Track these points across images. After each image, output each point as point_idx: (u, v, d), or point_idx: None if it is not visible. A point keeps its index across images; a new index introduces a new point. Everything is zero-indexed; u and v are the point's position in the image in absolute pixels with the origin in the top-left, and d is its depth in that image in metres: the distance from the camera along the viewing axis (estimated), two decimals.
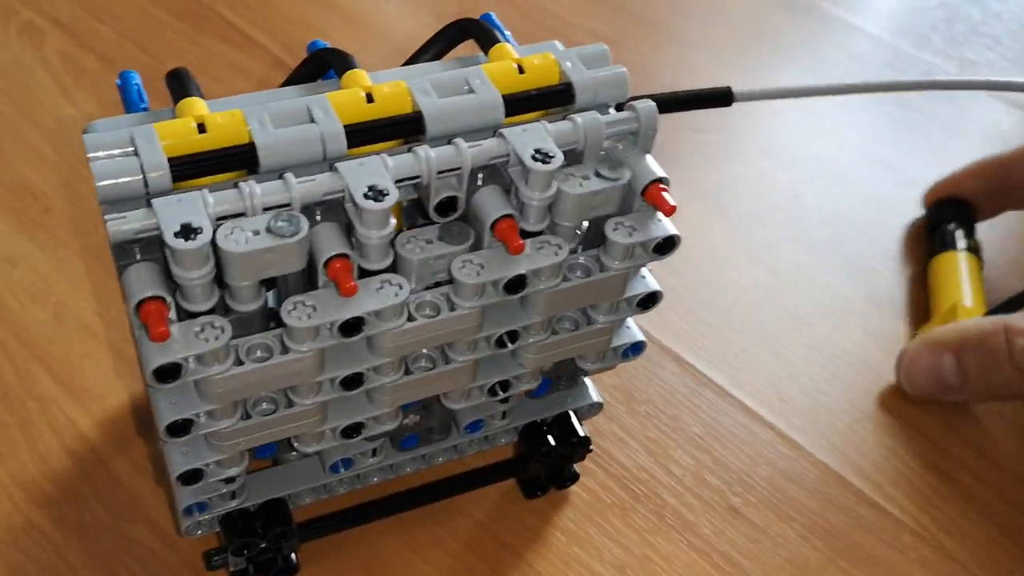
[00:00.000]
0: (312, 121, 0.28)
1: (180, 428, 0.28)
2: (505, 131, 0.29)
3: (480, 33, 0.33)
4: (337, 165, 0.27)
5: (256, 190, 0.26)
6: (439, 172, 0.28)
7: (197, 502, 0.33)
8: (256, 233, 0.26)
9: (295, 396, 0.30)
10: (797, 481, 0.42)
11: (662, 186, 0.30)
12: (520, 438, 0.39)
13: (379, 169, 0.27)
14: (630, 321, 0.37)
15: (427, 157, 0.28)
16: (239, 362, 0.27)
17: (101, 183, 0.25)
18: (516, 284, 0.30)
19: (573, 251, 0.32)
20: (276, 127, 0.27)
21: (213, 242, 0.25)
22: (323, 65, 0.32)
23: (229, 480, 0.33)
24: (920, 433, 0.44)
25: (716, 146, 0.57)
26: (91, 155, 0.26)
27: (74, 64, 0.57)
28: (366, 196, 0.26)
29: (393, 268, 0.29)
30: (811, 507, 0.42)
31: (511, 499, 0.40)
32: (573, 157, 0.30)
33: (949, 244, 0.49)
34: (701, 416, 0.44)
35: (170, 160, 0.26)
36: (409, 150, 0.28)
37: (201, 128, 0.27)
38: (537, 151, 0.28)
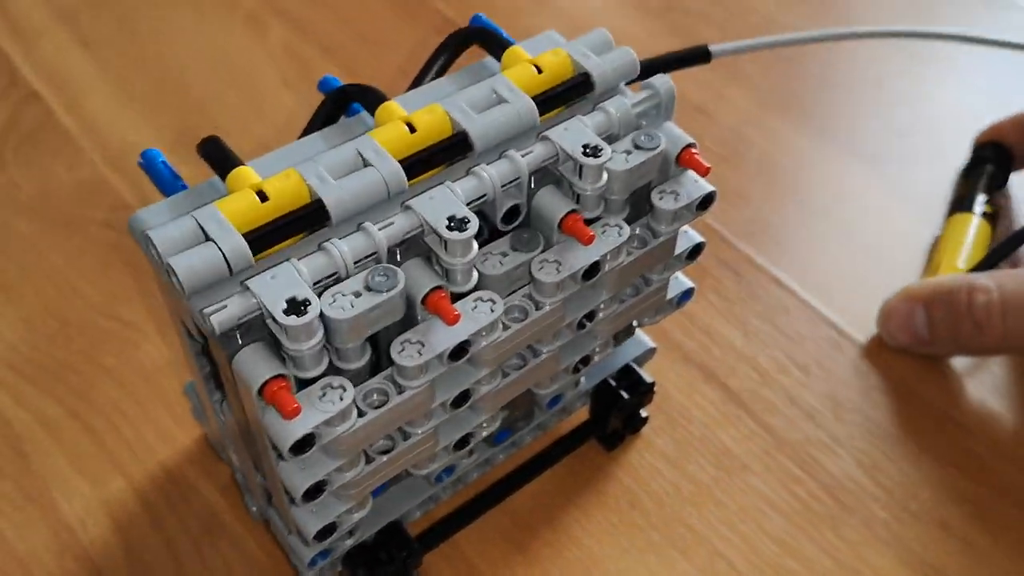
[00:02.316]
0: (366, 164, 0.26)
1: (315, 491, 0.27)
2: (549, 133, 0.28)
3: (485, 39, 0.32)
4: (410, 203, 0.26)
5: (343, 247, 0.25)
6: (502, 186, 0.27)
7: (319, 552, 0.32)
8: (357, 295, 0.25)
9: (410, 428, 0.29)
10: (1010, 496, 0.40)
11: (693, 150, 0.30)
12: (593, 399, 0.39)
13: (450, 198, 0.26)
14: (679, 272, 0.36)
15: (490, 176, 0.27)
16: (361, 413, 0.26)
17: (185, 277, 0.23)
18: (592, 271, 0.29)
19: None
20: (335, 179, 0.26)
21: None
22: (345, 102, 0.31)
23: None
24: None
25: (922, 148, 0.53)
26: (162, 250, 0.24)
27: (296, 55, 0.56)
28: (449, 228, 0.25)
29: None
30: (1020, 523, 0.39)
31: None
32: (610, 138, 0.30)
33: (967, 206, 0.48)
34: (918, 433, 0.41)
35: (244, 236, 0.24)
36: (467, 171, 0.27)
37: (262, 196, 0.25)
38: (586, 147, 0.28)
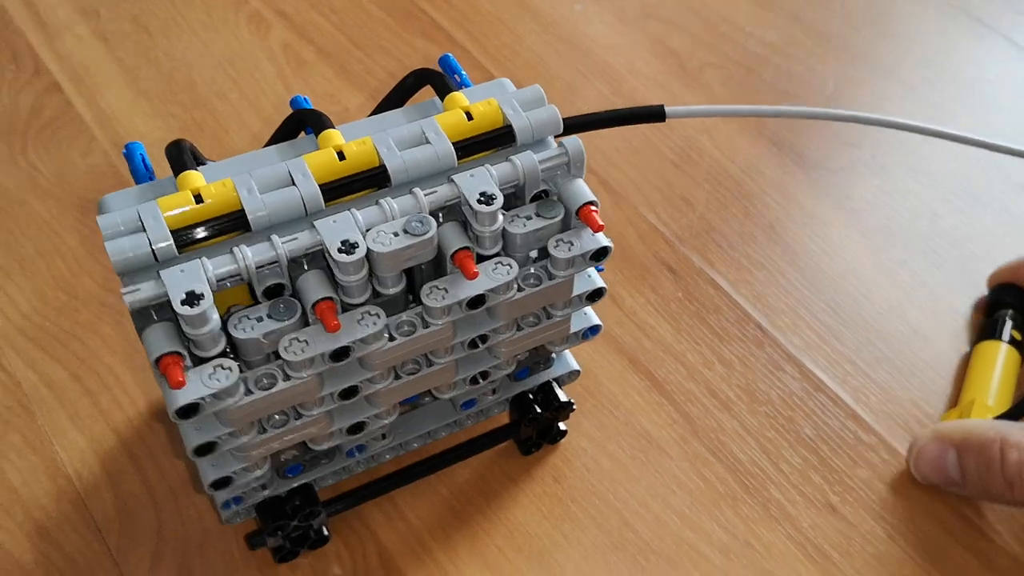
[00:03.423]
0: (293, 184, 0.30)
1: (206, 448, 0.32)
2: (456, 177, 0.31)
3: (436, 82, 0.35)
4: (315, 223, 0.30)
5: (247, 253, 0.29)
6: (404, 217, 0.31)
7: (232, 497, 0.37)
8: (260, 320, 0.30)
9: (302, 409, 0.33)
10: (892, 485, 0.44)
11: (592, 208, 0.33)
12: (511, 407, 0.42)
13: (351, 224, 0.30)
14: (588, 308, 0.39)
15: (391, 208, 0.30)
16: (249, 392, 0.31)
17: (115, 259, 0.28)
18: (476, 301, 0.33)
19: (527, 262, 0.34)
20: (262, 192, 0.30)
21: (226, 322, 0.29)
22: (302, 123, 0.34)
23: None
24: None
25: (866, 162, 0.56)
26: (105, 234, 0.29)
27: (294, 55, 0.60)
28: (340, 250, 0.29)
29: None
30: (901, 510, 0.43)
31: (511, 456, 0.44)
32: (517, 193, 0.33)
33: (996, 333, 0.47)
34: (814, 419, 0.45)
35: (173, 232, 0.29)
36: (376, 201, 0.31)
37: (199, 199, 0.30)
38: (482, 194, 0.31)
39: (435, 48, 0.61)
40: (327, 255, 0.30)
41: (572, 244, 0.34)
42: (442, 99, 0.34)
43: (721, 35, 0.63)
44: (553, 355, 0.42)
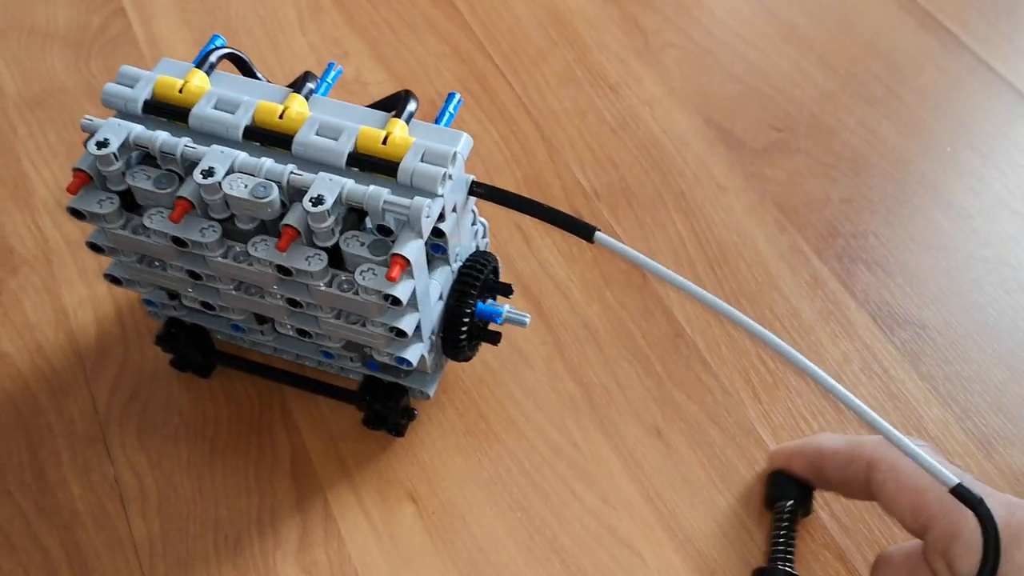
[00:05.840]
0: (234, 113, 0.38)
1: (96, 247, 0.42)
2: (321, 174, 0.37)
3: (399, 106, 0.40)
4: (213, 145, 0.38)
5: (163, 137, 0.38)
6: (265, 177, 0.37)
7: (147, 299, 0.47)
8: (148, 177, 0.39)
9: (168, 263, 0.42)
10: (718, 423, 0.51)
11: (399, 261, 0.36)
12: (361, 383, 0.47)
13: (228, 159, 0.38)
14: (418, 347, 0.42)
15: (263, 166, 0.38)
16: (124, 227, 0.40)
17: (104, 96, 0.40)
18: (282, 269, 0.38)
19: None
20: (216, 107, 0.39)
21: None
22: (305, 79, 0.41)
23: (173, 298, 0.46)
24: None
25: (787, 143, 0.63)
26: (116, 78, 0.40)
27: (315, 3, 0.69)
28: (203, 173, 0.37)
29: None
30: (718, 442, 0.51)
31: None
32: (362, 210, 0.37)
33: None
34: (666, 360, 0.53)
35: (148, 100, 0.39)
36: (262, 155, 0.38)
37: (181, 89, 0.40)
38: (316, 196, 0.36)
39: (430, 6, 0.70)
40: (200, 172, 0.38)
41: (375, 276, 0.37)
42: (398, 117, 0.39)
43: (693, 19, 0.70)
44: (411, 365, 0.43)
